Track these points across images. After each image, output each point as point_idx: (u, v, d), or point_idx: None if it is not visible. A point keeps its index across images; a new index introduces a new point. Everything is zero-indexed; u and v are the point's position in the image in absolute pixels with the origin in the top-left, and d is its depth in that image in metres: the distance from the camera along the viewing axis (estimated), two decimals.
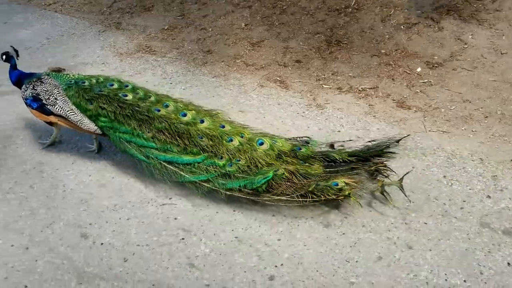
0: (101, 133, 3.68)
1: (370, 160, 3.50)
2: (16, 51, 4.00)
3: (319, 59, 5.31)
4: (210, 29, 6.20)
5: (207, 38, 6.01)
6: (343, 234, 3.16)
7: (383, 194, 3.36)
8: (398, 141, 3.75)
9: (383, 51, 5.28)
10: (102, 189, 3.63)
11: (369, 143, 3.68)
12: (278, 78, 5.05)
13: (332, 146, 3.72)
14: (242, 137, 3.50)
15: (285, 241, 3.12)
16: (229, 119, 3.77)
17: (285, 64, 5.30)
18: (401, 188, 3.34)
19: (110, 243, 3.15)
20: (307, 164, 3.42)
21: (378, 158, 3.53)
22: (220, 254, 3.04)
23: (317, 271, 2.91)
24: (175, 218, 3.33)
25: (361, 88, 4.79)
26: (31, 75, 3.95)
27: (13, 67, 3.97)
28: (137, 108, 3.56)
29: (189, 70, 5.34)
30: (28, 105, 3.85)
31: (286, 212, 3.32)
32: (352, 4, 6.04)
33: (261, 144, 3.47)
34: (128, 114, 3.55)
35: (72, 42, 6.16)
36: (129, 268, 2.97)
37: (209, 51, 5.73)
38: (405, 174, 3.41)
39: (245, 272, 2.93)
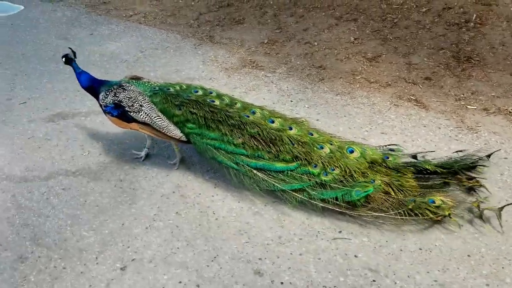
0: (185, 140, 3.66)
1: (459, 173, 3.48)
2: (74, 53, 3.95)
3: (451, 77, 5.03)
4: (315, 43, 6.01)
5: (315, 53, 5.82)
6: None
7: (481, 218, 3.27)
8: (489, 156, 3.69)
9: None
10: (258, 218, 3.40)
11: (455, 154, 3.68)
12: (412, 97, 4.78)
13: (415, 157, 3.62)
14: (331, 144, 3.49)
15: (495, 287, 2.80)
16: (314, 127, 3.74)
17: (414, 81, 5.04)
18: (499, 215, 3.23)
19: (291, 283, 2.89)
20: (399, 174, 3.38)
21: (468, 172, 3.52)
22: None
23: None
24: (356, 256, 3.06)
25: (511, 109, 4.48)
26: (105, 82, 3.92)
27: (78, 70, 3.92)
28: (229, 114, 3.56)
29: (306, 87, 5.13)
30: (107, 112, 3.81)
31: (482, 250, 3.01)
32: (473, 18, 5.78)
33: (352, 152, 3.46)
34: (220, 119, 3.56)
35: (170, 55, 6.05)
36: None
37: (321, 66, 5.52)
38: (509, 204, 3.28)
39: None
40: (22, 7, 8.04)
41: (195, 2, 7.74)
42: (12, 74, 5.72)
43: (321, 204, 3.26)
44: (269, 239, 3.22)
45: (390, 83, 5.07)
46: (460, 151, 3.74)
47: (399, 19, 6.12)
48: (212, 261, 3.07)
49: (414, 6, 6.25)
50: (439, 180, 3.40)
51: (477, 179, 3.48)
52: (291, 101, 4.89)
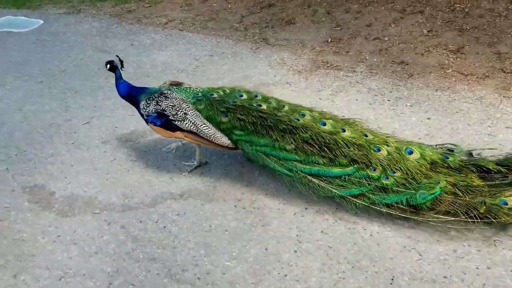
0: (233, 147, 3.58)
1: None
2: (121, 62, 3.83)
3: None
4: (386, 39, 5.80)
5: (389, 48, 5.61)
6: None
7: None
8: None
9: None
10: (419, 231, 3.13)
11: None
12: None
13: (471, 154, 3.52)
14: (388, 146, 3.36)
15: None
16: (367, 128, 3.62)
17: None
18: None
19: None
20: (463, 174, 3.23)
21: None
22: None
23: None
24: None
25: None
26: (145, 89, 3.80)
27: (119, 79, 3.84)
28: (278, 118, 3.43)
29: (398, 85, 4.90)
30: (150, 122, 3.70)
31: None
32: None
33: (410, 153, 3.33)
34: (270, 124, 3.43)
35: (230, 62, 5.75)
36: None
37: (402, 62, 5.31)
38: None
39: None
40: (42, 21, 7.61)
41: (232, 5, 7.48)
42: (60, 92, 5.34)
43: (385, 210, 3.12)
44: (443, 253, 2.94)
45: (487, 74, 4.89)
46: None
47: (470, 9, 5.98)
48: (391, 284, 2.78)
49: None
50: (507, 180, 3.20)
51: None
52: (388, 100, 4.64)
